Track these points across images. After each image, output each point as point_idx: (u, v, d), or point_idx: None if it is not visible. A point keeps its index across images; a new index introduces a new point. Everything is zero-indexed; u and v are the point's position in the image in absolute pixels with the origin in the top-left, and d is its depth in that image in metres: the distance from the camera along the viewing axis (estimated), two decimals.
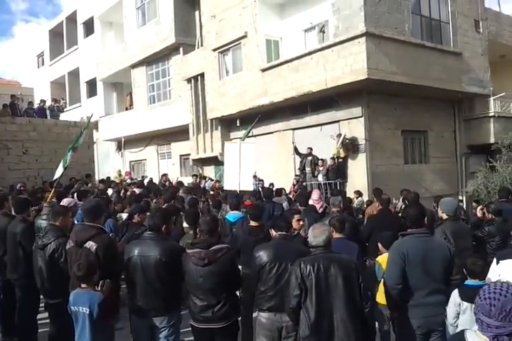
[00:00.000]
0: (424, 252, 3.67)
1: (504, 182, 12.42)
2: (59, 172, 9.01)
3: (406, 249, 3.68)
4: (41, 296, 4.91)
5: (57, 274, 4.39)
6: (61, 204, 6.06)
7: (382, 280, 4.30)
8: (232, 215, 6.62)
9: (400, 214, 6.11)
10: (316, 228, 3.58)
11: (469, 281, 3.77)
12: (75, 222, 6.31)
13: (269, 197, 8.61)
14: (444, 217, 5.21)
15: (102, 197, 9.31)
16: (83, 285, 3.69)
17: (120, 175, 18.11)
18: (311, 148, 13.03)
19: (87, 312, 3.56)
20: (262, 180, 13.04)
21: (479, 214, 6.49)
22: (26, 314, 5.10)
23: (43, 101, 18.45)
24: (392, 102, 13.06)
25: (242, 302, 4.29)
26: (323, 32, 13.46)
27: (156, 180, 16.29)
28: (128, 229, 6.46)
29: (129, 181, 15.44)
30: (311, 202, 8.01)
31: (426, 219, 6.01)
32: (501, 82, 16.20)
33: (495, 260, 4.21)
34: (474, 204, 10.12)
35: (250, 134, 15.31)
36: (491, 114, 14.50)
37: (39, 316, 5.29)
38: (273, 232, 4.18)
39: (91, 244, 3.98)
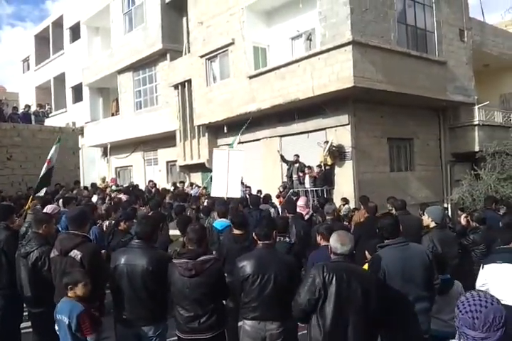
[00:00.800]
0: (404, 261, 3.68)
1: (489, 189, 12.55)
2: (40, 187, 8.84)
3: (385, 264, 3.67)
4: (24, 305, 4.82)
5: (40, 283, 4.32)
6: (44, 211, 5.98)
7: None
8: (219, 223, 6.58)
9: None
10: (343, 235, 3.55)
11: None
12: (59, 229, 6.24)
13: (256, 204, 8.59)
14: (432, 225, 5.25)
15: (87, 204, 9.20)
16: (69, 294, 3.63)
17: (104, 181, 17.95)
18: (297, 155, 13.07)
19: (67, 322, 3.50)
20: (249, 187, 13.03)
21: (463, 222, 6.55)
22: (9, 323, 5.00)
23: (28, 107, 18.30)
24: (378, 110, 13.17)
25: (228, 311, 4.25)
26: (310, 40, 13.56)
27: (143, 187, 16.16)
28: (114, 236, 6.41)
29: (114, 188, 15.31)
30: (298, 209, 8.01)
31: (412, 226, 6.06)
32: (485, 91, 16.46)
33: (481, 265, 4.26)
34: (460, 212, 10.20)
35: (237, 141, 15.35)
36: (476, 123, 14.69)
37: (22, 325, 5.19)
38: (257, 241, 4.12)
39: (76, 253, 3.92)
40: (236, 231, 5.33)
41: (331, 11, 11.57)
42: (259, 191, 12.70)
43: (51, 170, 8.70)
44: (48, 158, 8.72)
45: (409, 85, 12.25)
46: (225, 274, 3.95)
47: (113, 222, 7.16)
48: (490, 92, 17.16)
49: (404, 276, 3.64)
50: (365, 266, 4.64)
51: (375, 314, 3.32)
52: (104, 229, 7.30)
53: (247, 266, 3.77)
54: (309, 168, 12.86)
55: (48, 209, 6.15)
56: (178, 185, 15.07)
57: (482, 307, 1.86)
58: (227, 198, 9.12)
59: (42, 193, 9.00)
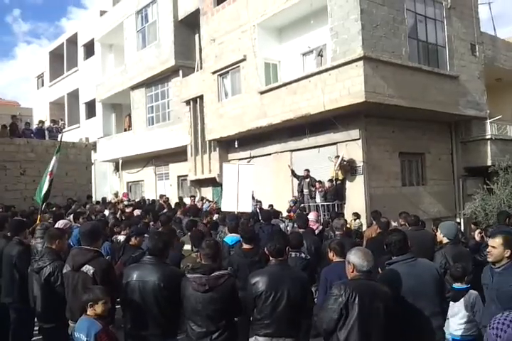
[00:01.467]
0: (413, 278, 3.66)
1: (501, 204, 12.41)
2: (44, 201, 8.77)
3: (395, 280, 3.64)
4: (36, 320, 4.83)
5: (53, 298, 4.33)
6: (56, 226, 6.01)
7: None
8: (230, 238, 6.56)
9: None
10: (366, 252, 3.54)
11: (454, 285, 4.79)
12: (71, 243, 6.26)
13: (267, 219, 8.56)
14: (445, 240, 5.19)
15: (99, 219, 9.24)
16: (88, 312, 3.60)
17: (117, 196, 18.05)
18: (308, 170, 13.05)
19: (85, 340, 3.48)
20: (259, 202, 13.02)
21: (478, 238, 6.46)
22: (19, 337, 5.01)
23: (42, 122, 18.55)
24: (389, 125, 13.15)
25: (239, 327, 4.21)
26: (321, 56, 13.65)
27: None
28: (125, 251, 6.41)
29: (126, 202, 15.39)
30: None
31: (426, 241, 6.00)
32: (498, 105, 16.37)
33: None
34: (473, 226, 10.08)
35: (248, 156, 15.40)
36: (488, 137, 14.59)
37: (33, 339, 5.19)
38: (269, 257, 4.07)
39: (88, 268, 3.93)
40: (246, 246, 5.32)
41: (342, 27, 11.67)
42: (271, 206, 12.67)
43: (51, 182, 8.66)
44: (49, 169, 8.65)
45: (420, 100, 12.24)
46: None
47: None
48: (502, 106, 17.06)
49: (414, 293, 3.61)
50: None
51: (395, 330, 3.33)
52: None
53: (259, 282, 3.74)
54: (320, 182, 12.83)
55: (60, 224, 6.19)
56: (184, 200, 15.07)
57: (509, 328, 1.84)
58: (238, 213, 9.11)
59: (43, 207, 8.95)
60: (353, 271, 3.47)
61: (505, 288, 3.59)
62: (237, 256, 5.40)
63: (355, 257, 3.48)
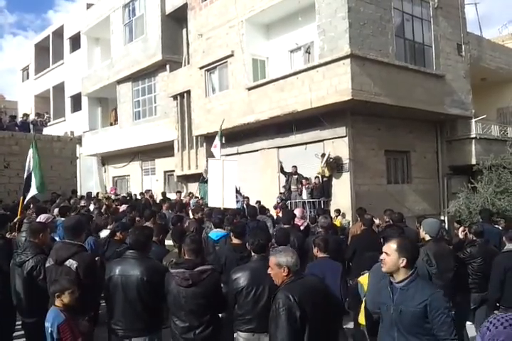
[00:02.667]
0: None
1: (485, 202, 12.57)
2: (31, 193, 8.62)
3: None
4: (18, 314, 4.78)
5: (35, 292, 4.29)
6: (38, 220, 5.94)
7: (364, 301, 4.29)
8: (215, 233, 6.56)
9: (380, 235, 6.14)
10: (289, 250, 3.51)
11: None
12: (56, 238, 6.21)
13: (254, 215, 8.58)
14: (427, 238, 5.23)
15: (82, 213, 9.16)
16: (56, 303, 3.60)
17: (105, 190, 17.93)
18: (295, 167, 13.09)
19: (49, 330, 3.48)
20: (247, 197, 13.01)
21: (461, 235, 6.54)
22: (1, 333, 4.95)
23: (26, 115, 18.33)
24: (375, 123, 13.24)
25: (224, 322, 4.23)
26: (309, 53, 13.68)
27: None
28: (109, 246, 6.37)
29: (113, 197, 15.27)
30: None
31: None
32: (483, 105, 16.56)
33: None
34: (456, 224, 10.20)
35: (235, 152, 15.37)
36: (473, 136, 14.75)
37: (14, 334, 5.14)
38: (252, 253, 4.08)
39: (71, 262, 3.91)
40: (235, 241, 5.33)
41: (330, 25, 11.69)
42: (258, 202, 12.69)
43: (28, 178, 8.52)
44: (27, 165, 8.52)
45: (406, 98, 12.34)
46: (222, 284, 3.93)
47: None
48: (487, 106, 17.29)
49: None
50: (361, 279, 4.66)
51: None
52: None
53: (241, 278, 3.76)
54: (307, 179, 12.88)
55: (42, 218, 6.11)
56: (169, 195, 15.00)
57: (502, 325, 1.84)
58: (224, 208, 9.10)
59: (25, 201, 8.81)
60: (288, 274, 3.25)
61: (411, 308, 2.97)
62: (226, 251, 5.42)
63: (287, 257, 3.28)
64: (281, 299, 3.06)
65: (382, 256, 3.15)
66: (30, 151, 8.64)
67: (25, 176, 8.46)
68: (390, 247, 3.10)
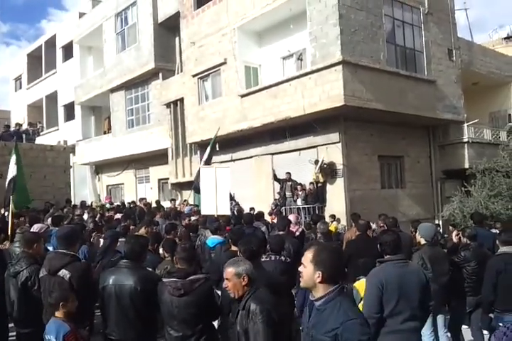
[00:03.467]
0: (401, 279, 3.68)
1: (479, 206, 12.63)
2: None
3: (384, 278, 3.68)
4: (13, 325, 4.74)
5: (30, 303, 4.27)
6: (32, 230, 5.91)
7: (360, 306, 4.28)
8: (211, 240, 6.55)
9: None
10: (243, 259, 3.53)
11: None
12: (50, 248, 6.17)
13: (250, 222, 8.54)
14: (422, 241, 5.25)
15: (76, 223, 9.11)
16: (56, 314, 3.59)
17: (100, 199, 17.87)
18: (289, 173, 13.09)
19: None
20: (237, 203, 12.97)
21: (455, 239, 6.56)
22: None
23: (19, 125, 18.27)
24: (368, 128, 13.29)
25: (219, 330, 4.20)
26: (301, 60, 13.74)
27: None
28: (105, 255, 6.33)
29: (108, 206, 15.20)
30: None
31: (404, 244, 6.06)
32: (474, 109, 16.69)
33: None
34: (451, 228, 10.23)
35: (229, 159, 15.37)
36: (465, 140, 14.85)
37: None
38: None
39: (64, 273, 3.89)
40: (233, 248, 5.30)
41: (321, 32, 11.77)
42: (252, 208, 12.66)
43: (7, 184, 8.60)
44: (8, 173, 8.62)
45: (398, 104, 12.41)
46: (219, 292, 3.91)
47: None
48: (479, 110, 17.41)
49: (401, 294, 3.63)
50: (357, 284, 4.65)
51: None
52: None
53: None
54: (301, 185, 12.89)
55: (36, 228, 6.08)
56: (163, 203, 14.97)
57: None
58: (218, 215, 9.09)
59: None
60: (247, 283, 3.08)
61: (319, 336, 2.43)
62: (224, 258, 5.39)
63: (245, 265, 3.14)
64: (257, 307, 2.88)
65: (300, 268, 2.59)
66: (13, 158, 8.69)
67: (6, 183, 8.47)
68: (306, 257, 2.55)
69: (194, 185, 11.05)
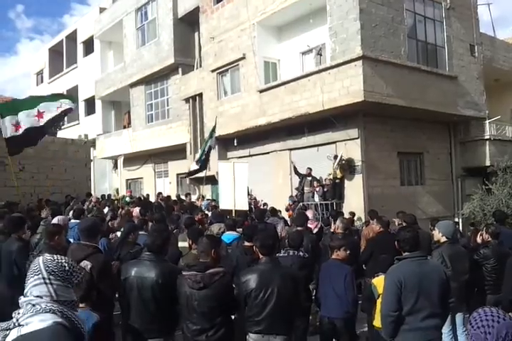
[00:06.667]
0: (421, 276, 3.65)
1: (500, 204, 12.46)
2: None
3: (402, 275, 3.65)
4: None
5: None
6: (53, 222, 6.01)
7: (378, 303, 4.26)
8: (227, 236, 6.58)
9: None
10: None
11: None
12: (71, 240, 6.27)
13: (261, 217, 8.50)
14: (442, 239, 5.19)
15: (96, 215, 9.23)
16: (81, 305, 3.64)
17: (118, 193, 18.02)
18: (310, 168, 13.02)
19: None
20: (254, 199, 12.99)
21: (479, 239, 6.44)
22: None
23: None
24: (388, 124, 13.18)
25: (236, 324, 4.23)
26: (321, 55, 13.66)
27: (152, 199, 16.19)
28: (122, 247, 6.41)
29: (128, 199, 15.31)
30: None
31: (422, 241, 6.01)
32: (496, 106, 16.41)
33: None
34: (471, 227, 10.12)
35: (247, 154, 15.40)
36: (487, 137, 14.63)
37: None
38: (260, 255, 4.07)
39: (86, 263, 3.94)
40: (247, 243, 5.33)
41: (341, 27, 11.68)
42: (265, 204, 12.66)
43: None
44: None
45: (419, 100, 12.27)
46: (234, 286, 3.94)
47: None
48: (501, 107, 17.11)
49: (420, 291, 3.61)
50: (375, 280, 4.64)
51: None
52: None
53: (250, 280, 3.77)
54: (319, 181, 12.84)
55: (58, 220, 6.18)
56: (182, 197, 15.04)
57: (494, 322, 1.85)
58: (235, 210, 9.15)
59: None
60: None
61: None
62: (237, 253, 5.43)
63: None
64: None
65: None
66: None
67: None
68: None
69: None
